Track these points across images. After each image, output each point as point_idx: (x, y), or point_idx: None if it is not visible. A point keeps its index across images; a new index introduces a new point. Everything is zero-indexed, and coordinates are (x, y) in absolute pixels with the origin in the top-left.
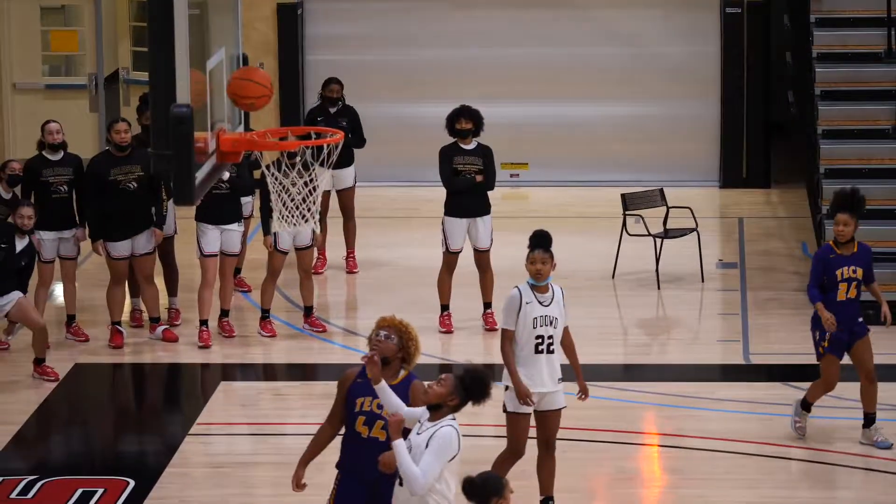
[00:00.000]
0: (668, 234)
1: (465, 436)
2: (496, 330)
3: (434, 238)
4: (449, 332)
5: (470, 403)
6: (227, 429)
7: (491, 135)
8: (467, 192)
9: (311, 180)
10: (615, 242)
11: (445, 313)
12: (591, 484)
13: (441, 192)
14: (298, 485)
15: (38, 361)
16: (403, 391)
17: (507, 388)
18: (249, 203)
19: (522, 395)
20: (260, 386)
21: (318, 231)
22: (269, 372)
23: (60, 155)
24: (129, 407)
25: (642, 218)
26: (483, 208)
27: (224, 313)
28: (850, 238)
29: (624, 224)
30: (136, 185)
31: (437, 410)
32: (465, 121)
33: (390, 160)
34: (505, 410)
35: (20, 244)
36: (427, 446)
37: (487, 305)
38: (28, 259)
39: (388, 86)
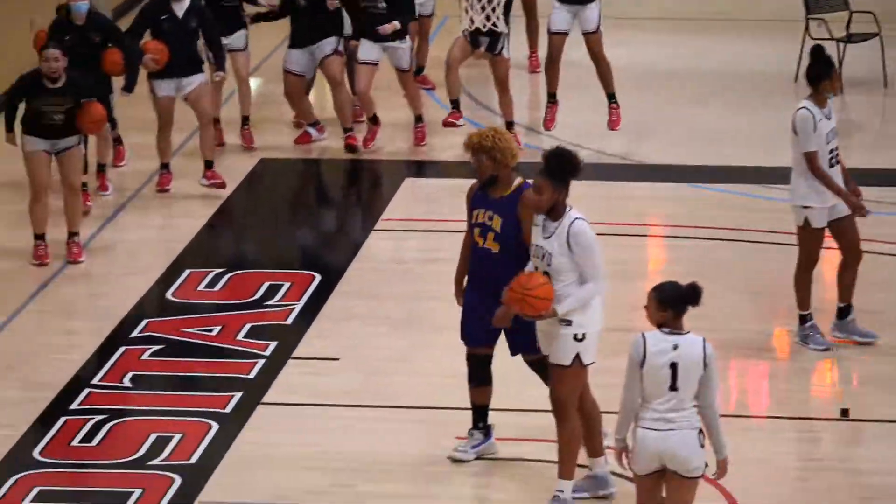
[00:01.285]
0: (850, 38)
1: None
2: None
3: None
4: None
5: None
6: (411, 224)
7: None
8: None
9: None
10: (797, 46)
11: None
12: None
13: None
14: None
15: (208, 164)
16: (516, 201)
17: None
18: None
19: None
20: (442, 183)
21: (505, 30)
22: (450, 169)
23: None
24: (313, 203)
25: (825, 21)
26: None
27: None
28: None
29: (806, 27)
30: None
31: (553, 210)
32: None
33: None
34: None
35: (179, 7)
36: (570, 249)
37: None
38: (198, 22)
39: None
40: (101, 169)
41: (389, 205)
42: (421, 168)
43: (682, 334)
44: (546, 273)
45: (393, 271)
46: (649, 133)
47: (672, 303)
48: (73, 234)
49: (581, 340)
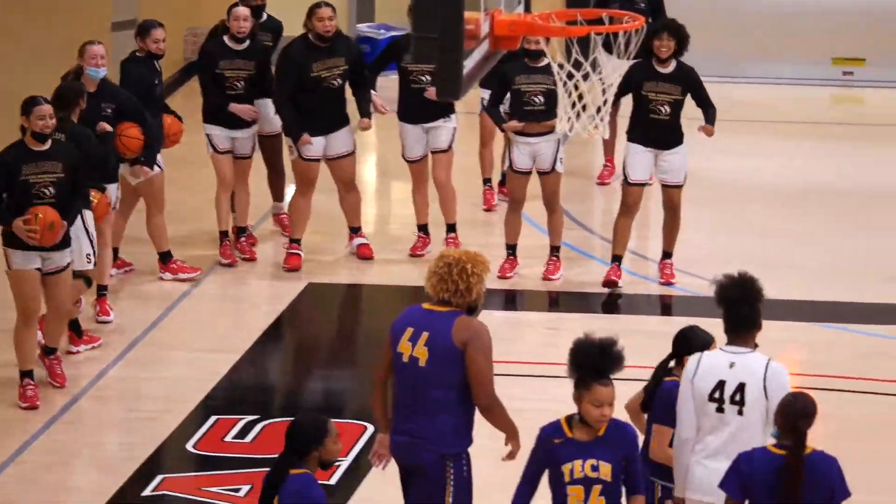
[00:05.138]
0: None
1: None
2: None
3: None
4: None
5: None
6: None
7: (822, 24)
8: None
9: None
10: None
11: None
12: None
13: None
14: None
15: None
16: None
17: None
18: None
19: None
20: (525, 317)
21: (606, 135)
22: (534, 300)
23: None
24: (368, 338)
25: None
26: None
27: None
28: None
29: None
30: (339, 83)
31: None
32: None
33: (703, 52)
34: None
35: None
36: None
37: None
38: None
39: None
40: (101, 293)
41: None
42: (503, 299)
43: None
44: None
45: None
46: (779, 263)
47: None
48: (51, 350)
49: None
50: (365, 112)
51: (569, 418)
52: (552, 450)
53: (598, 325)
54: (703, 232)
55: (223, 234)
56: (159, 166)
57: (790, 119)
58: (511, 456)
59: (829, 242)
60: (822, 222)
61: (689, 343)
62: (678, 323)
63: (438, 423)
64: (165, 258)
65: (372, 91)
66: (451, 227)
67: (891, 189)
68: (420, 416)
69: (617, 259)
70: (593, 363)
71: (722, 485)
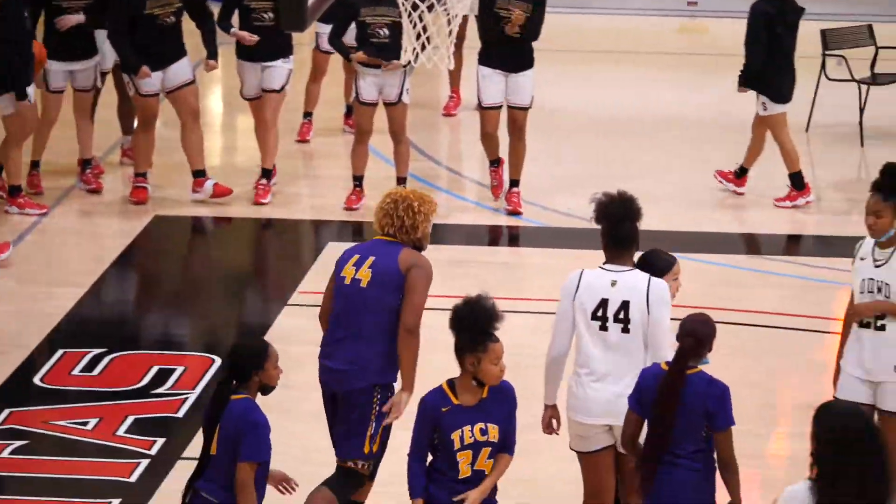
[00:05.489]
0: (875, 79)
1: None
2: None
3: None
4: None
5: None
6: None
7: None
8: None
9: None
10: (811, 88)
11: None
12: None
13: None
14: None
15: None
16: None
17: None
18: None
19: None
20: None
21: (451, 66)
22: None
23: None
24: (215, 271)
25: (845, 59)
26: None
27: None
28: None
29: (823, 66)
30: (173, 20)
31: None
32: None
33: None
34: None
35: None
36: None
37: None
38: None
39: None
40: None
41: (307, 275)
42: (350, 230)
43: None
44: None
45: (307, 355)
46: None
47: None
48: None
49: None
50: (212, 53)
51: (450, 384)
52: (439, 418)
53: (447, 257)
54: (550, 162)
55: (34, 164)
56: (29, 99)
57: (636, 49)
58: (396, 407)
59: (675, 172)
60: (668, 152)
61: (652, 266)
62: (527, 254)
63: (372, 351)
64: (14, 192)
65: (232, 29)
66: (265, 172)
67: (736, 119)
68: (354, 343)
69: (494, 163)
70: (482, 325)
71: (628, 399)
